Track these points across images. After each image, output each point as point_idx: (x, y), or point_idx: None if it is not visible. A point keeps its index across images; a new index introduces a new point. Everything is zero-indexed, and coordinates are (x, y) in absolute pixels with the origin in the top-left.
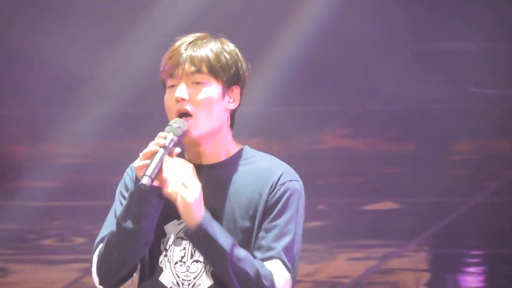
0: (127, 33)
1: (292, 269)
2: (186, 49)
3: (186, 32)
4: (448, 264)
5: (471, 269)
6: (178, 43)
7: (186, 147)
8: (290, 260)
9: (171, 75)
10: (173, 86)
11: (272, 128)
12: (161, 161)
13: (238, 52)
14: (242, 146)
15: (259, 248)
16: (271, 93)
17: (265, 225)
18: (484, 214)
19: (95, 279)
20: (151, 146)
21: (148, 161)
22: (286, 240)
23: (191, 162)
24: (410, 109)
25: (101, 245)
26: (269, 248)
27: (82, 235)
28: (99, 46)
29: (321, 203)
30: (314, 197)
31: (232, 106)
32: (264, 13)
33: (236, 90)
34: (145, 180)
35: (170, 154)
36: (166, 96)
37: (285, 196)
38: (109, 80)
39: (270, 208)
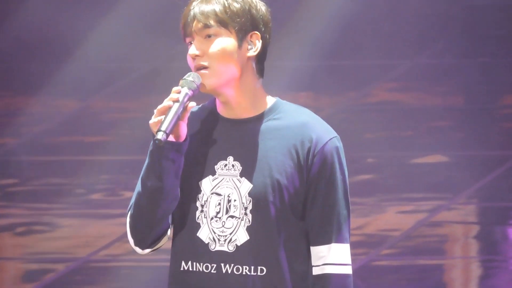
0: None
1: (349, 236)
2: (194, 6)
3: None
4: (496, 217)
5: None
6: (190, 0)
7: (217, 102)
8: (348, 230)
9: (186, 34)
10: (190, 43)
11: (321, 82)
12: (176, 115)
13: None
14: (275, 99)
15: (318, 233)
16: (320, 47)
17: (317, 203)
18: None
19: (131, 241)
20: (165, 102)
21: (162, 117)
22: (343, 216)
23: (225, 118)
24: (459, 62)
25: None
26: (330, 234)
27: (130, 189)
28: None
29: (370, 157)
30: (364, 150)
31: (253, 52)
32: None
33: (255, 36)
34: (160, 135)
35: (185, 109)
36: (187, 54)
37: (328, 163)
38: (158, 34)
39: (316, 180)
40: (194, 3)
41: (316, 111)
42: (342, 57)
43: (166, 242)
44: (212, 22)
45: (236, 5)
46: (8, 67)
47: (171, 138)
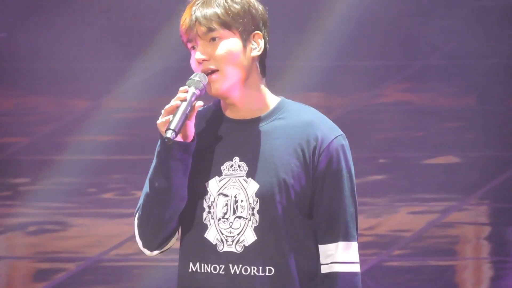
0: None
1: (357, 234)
2: (195, 11)
3: None
4: (508, 217)
5: None
6: (189, 5)
7: (223, 103)
8: (355, 227)
9: (188, 39)
10: (193, 48)
11: (333, 82)
12: (184, 114)
13: None
14: (280, 98)
15: (325, 231)
16: (332, 48)
17: (324, 202)
18: None
19: (139, 243)
20: (173, 101)
21: (171, 116)
22: (350, 214)
23: (230, 118)
24: (471, 63)
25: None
26: (337, 232)
27: (142, 189)
28: (160, 3)
29: (382, 157)
30: (375, 151)
31: (257, 52)
32: None
33: (257, 36)
34: (169, 134)
35: (193, 108)
36: (191, 59)
37: (334, 161)
38: (169, 34)
39: (322, 178)
40: (193, 8)
41: (328, 111)
42: (354, 57)
43: (175, 243)
44: (215, 25)
45: (237, 6)
46: (19, 67)
47: (179, 138)
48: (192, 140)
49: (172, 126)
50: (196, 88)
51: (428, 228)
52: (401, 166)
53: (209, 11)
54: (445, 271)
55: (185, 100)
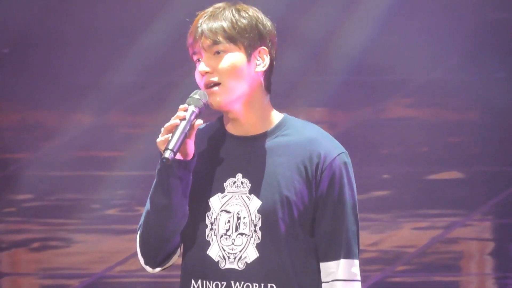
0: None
1: (358, 252)
2: (201, 24)
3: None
4: None
5: None
6: (196, 18)
7: (225, 119)
8: (357, 245)
9: (194, 51)
10: (198, 60)
11: (337, 97)
12: (183, 133)
13: (258, 14)
14: (283, 115)
15: (327, 249)
16: (336, 63)
17: (326, 219)
18: None
19: (141, 260)
20: (172, 120)
21: (170, 135)
22: (352, 232)
23: (233, 135)
24: (474, 78)
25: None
26: (339, 249)
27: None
28: (164, 17)
29: (385, 173)
30: (379, 166)
31: (262, 68)
32: None
33: (263, 51)
34: (167, 154)
35: (192, 126)
36: (195, 72)
37: (337, 179)
38: (174, 49)
39: (325, 195)
40: (200, 20)
41: (331, 126)
42: (358, 72)
43: (177, 260)
44: (220, 38)
45: (244, 21)
46: (23, 82)
47: (179, 156)
48: (192, 158)
49: (171, 146)
50: (195, 106)
51: (432, 244)
52: (404, 181)
53: (215, 24)
54: (449, 286)
55: (184, 119)
